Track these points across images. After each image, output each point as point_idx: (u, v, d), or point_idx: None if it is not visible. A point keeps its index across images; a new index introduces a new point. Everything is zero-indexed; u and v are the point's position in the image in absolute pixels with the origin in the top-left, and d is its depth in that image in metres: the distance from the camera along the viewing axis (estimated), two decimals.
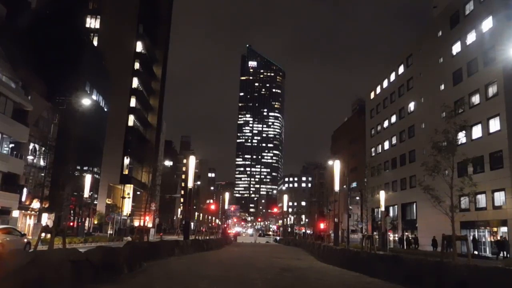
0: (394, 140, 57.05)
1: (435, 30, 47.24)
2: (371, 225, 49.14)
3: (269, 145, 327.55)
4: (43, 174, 36.06)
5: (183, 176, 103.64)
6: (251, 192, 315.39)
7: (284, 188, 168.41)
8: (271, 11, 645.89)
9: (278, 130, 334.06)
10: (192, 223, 64.41)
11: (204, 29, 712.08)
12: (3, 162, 33.79)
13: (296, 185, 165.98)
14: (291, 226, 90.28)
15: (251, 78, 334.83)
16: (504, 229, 33.45)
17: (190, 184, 26.28)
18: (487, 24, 37.48)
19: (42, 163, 39.32)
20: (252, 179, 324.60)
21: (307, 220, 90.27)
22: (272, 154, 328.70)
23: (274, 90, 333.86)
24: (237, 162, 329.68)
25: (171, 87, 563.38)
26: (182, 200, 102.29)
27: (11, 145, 36.05)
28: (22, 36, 40.31)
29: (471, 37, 39.98)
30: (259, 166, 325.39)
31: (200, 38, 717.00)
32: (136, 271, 12.15)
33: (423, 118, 47.13)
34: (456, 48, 42.37)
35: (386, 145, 59.55)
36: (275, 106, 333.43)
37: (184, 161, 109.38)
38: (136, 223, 60.31)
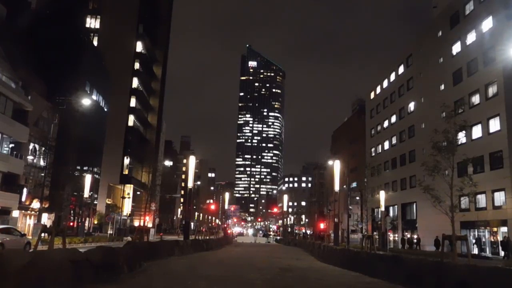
0: (394, 140, 57.04)
1: (435, 30, 47.23)
2: (371, 225, 49.13)
3: (269, 145, 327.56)
4: (43, 174, 36.06)
5: (183, 176, 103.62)
6: (251, 192, 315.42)
7: (284, 188, 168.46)
8: (271, 11, 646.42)
9: (278, 130, 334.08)
10: (192, 223, 64.43)
11: (204, 29, 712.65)
12: (3, 162, 33.79)
13: (296, 185, 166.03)
14: (291, 226, 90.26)
15: (251, 78, 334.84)
16: (504, 229, 33.43)
17: (190, 184, 26.28)
18: (487, 24, 37.48)
19: (42, 163, 39.32)
20: (252, 179, 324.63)
21: (307, 220, 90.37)
22: (272, 154, 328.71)
23: (274, 90, 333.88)
24: (237, 162, 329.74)
25: (171, 87, 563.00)
26: (182, 200, 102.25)
27: (11, 145, 36.05)
28: (22, 36, 40.31)
29: (471, 37, 39.98)
30: (259, 166, 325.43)
31: (200, 38, 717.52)
32: (136, 271, 12.15)
33: (423, 118, 47.12)
34: (456, 48, 42.36)
35: (386, 145, 59.54)
36: (275, 106, 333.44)
37: (184, 161, 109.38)
38: (136, 223, 60.29)
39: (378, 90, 64.78)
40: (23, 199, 37.08)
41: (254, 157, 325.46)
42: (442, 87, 44.07)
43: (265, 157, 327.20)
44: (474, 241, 36.80)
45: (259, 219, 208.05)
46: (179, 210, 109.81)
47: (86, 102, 35.59)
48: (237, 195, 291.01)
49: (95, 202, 55.55)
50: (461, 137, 17.20)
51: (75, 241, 30.04)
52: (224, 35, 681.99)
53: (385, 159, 57.63)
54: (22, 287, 6.90)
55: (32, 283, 7.12)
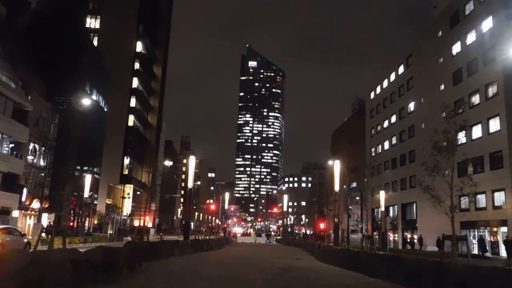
0: (394, 140, 57.05)
1: (435, 30, 47.24)
2: (371, 225, 49.11)
3: (269, 145, 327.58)
4: (43, 174, 36.08)
5: (183, 176, 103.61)
6: (251, 192, 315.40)
7: (284, 188, 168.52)
8: (271, 11, 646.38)
9: (278, 130, 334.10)
10: (192, 223, 64.41)
11: (204, 29, 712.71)
12: (3, 162, 33.80)
13: (296, 185, 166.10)
14: (291, 226, 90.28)
15: (251, 78, 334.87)
16: (504, 229, 33.44)
17: (190, 184, 26.28)
18: (487, 24, 37.48)
19: (42, 163, 39.33)
20: (252, 179, 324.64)
21: (307, 220, 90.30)
22: (272, 154, 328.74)
23: (274, 90, 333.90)
24: (237, 162, 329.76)
25: (171, 87, 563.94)
26: (182, 200, 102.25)
27: (11, 145, 36.06)
28: (22, 36, 40.33)
29: (471, 37, 39.98)
30: (259, 166, 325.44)
31: (200, 38, 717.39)
32: (136, 271, 12.15)
33: (423, 118, 47.13)
34: (456, 48, 42.37)
35: (386, 145, 59.55)
36: (275, 106, 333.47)
37: (184, 161, 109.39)
38: (136, 223, 60.29)
39: (378, 90, 64.79)
40: (23, 199, 37.09)
41: (254, 157, 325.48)
42: (442, 87, 44.08)
43: (265, 157, 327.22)
44: (474, 241, 36.82)
45: (259, 219, 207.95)
46: (179, 210, 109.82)
47: (86, 102, 35.61)
48: (237, 195, 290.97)
49: (95, 202, 55.55)
50: (461, 137, 17.19)
51: (75, 241, 30.06)
52: (224, 35, 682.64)
53: (385, 159, 57.63)
54: (22, 287, 6.89)
55: (32, 283, 7.12)
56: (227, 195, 68.56)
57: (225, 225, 77.90)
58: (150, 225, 49.39)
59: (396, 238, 53.26)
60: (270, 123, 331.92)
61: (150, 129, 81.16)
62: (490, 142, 35.01)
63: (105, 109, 59.27)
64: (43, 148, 38.00)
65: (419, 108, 49.88)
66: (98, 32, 67.96)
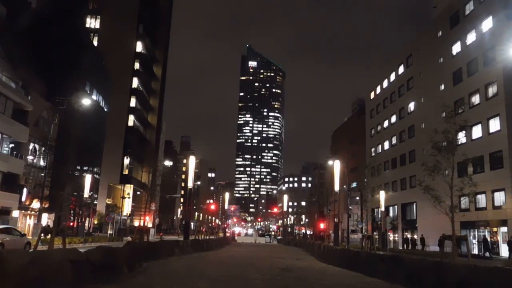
0: (394, 140, 57.04)
1: (435, 30, 47.24)
2: (371, 225, 49.09)
3: (269, 145, 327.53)
4: (43, 174, 36.05)
5: (183, 176, 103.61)
6: (251, 192, 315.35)
7: (284, 188, 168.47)
8: (271, 11, 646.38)
9: (278, 130, 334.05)
10: (192, 223, 64.42)
11: (204, 29, 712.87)
12: (3, 162, 33.80)
13: (296, 185, 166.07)
14: (291, 226, 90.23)
15: (251, 78, 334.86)
16: (504, 229, 33.44)
17: (190, 184, 26.28)
18: (487, 24, 37.48)
19: (42, 163, 39.32)
20: (252, 179, 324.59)
21: (307, 220, 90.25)
22: (272, 154, 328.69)
23: (274, 90, 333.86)
24: (237, 162, 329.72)
25: (171, 87, 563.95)
26: (182, 200, 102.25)
27: (11, 145, 36.04)
28: (22, 36, 40.31)
29: (471, 37, 39.98)
30: (259, 166, 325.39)
31: (200, 38, 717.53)
32: (136, 271, 12.14)
33: (423, 118, 47.12)
34: (456, 48, 42.36)
35: (386, 145, 59.54)
36: (275, 106, 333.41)
37: (184, 161, 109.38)
38: (136, 223, 60.28)
39: (378, 90, 64.78)
40: (23, 199, 37.07)
41: (254, 157, 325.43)
42: (442, 87, 44.07)
43: (265, 157, 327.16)
44: (474, 241, 36.81)
45: (259, 219, 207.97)
46: (179, 210, 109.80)
47: (86, 102, 35.54)
48: (237, 195, 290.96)
49: (95, 202, 55.54)
50: (461, 137, 17.17)
51: (75, 241, 30.07)
52: (224, 35, 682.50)
53: (385, 159, 57.62)
54: (22, 287, 6.89)
55: (32, 283, 7.12)
56: (227, 195, 68.57)
57: (225, 225, 77.91)
58: (150, 225, 49.38)
59: (396, 238, 53.26)
60: (270, 123, 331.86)
61: (150, 129, 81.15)
62: (490, 142, 35.01)
63: (105, 109, 59.25)
64: (43, 148, 37.96)
65: (419, 108, 49.87)
66: (98, 32, 67.94)
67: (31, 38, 42.08)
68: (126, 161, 68.46)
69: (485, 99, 36.60)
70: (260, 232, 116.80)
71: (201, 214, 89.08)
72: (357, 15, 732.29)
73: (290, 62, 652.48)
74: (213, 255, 23.59)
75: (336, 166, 28.61)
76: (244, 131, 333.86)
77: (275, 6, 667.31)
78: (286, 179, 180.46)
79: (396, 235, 53.29)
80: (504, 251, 32.60)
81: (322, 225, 64.05)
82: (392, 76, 59.55)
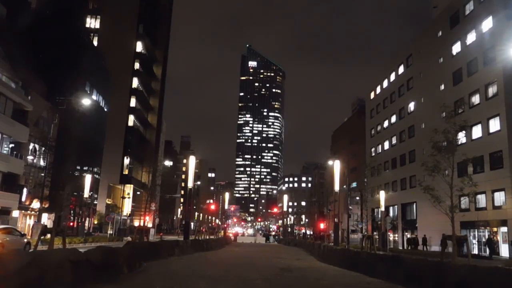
0: (394, 140, 57.04)
1: (435, 30, 47.24)
2: (371, 225, 49.11)
3: (269, 145, 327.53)
4: (43, 174, 36.05)
5: (183, 176, 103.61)
6: (251, 192, 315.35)
7: (284, 188, 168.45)
8: (271, 11, 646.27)
9: (278, 130, 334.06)
10: (192, 223, 64.38)
11: (204, 29, 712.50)
12: (3, 162, 33.80)
13: (296, 185, 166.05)
14: (291, 226, 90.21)
15: (251, 78, 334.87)
16: (504, 229, 33.44)
17: (190, 184, 26.29)
18: (487, 24, 37.48)
19: (42, 163, 39.32)
20: (252, 179, 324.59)
21: (307, 220, 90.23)
22: (272, 154, 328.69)
23: (274, 90, 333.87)
24: (237, 162, 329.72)
25: (171, 87, 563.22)
26: (182, 200, 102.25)
27: (11, 145, 36.04)
28: (22, 36, 40.31)
29: (471, 37, 39.98)
30: (259, 166, 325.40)
31: (200, 38, 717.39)
32: (136, 271, 12.14)
33: (423, 118, 47.12)
34: (456, 48, 42.37)
35: (386, 145, 59.54)
36: (275, 106, 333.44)
37: (184, 161, 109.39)
38: (136, 223, 60.28)
39: (378, 90, 64.78)
40: (23, 199, 37.08)
41: (254, 157, 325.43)
42: (442, 87, 44.07)
43: (265, 157, 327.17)
44: (474, 241, 36.80)
45: (259, 219, 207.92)
46: (179, 210, 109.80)
47: (86, 102, 35.52)
48: (237, 195, 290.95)
49: (95, 202, 55.54)
50: (461, 137, 17.16)
51: (75, 241, 30.07)
52: (224, 35, 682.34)
53: (385, 159, 57.63)
54: (22, 287, 6.89)
55: (32, 283, 7.12)
56: (227, 195, 68.57)
57: (225, 225, 77.86)
58: (150, 225, 49.41)
59: (396, 238, 53.26)
60: (270, 123, 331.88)
61: (150, 129, 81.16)
62: (490, 142, 35.00)
63: (105, 109, 59.27)
64: (43, 148, 37.97)
65: (419, 108, 49.87)
66: (98, 32, 67.96)
67: (31, 38, 42.07)
68: (126, 161, 68.47)
69: (485, 99, 36.60)
70: (260, 232, 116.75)
71: (201, 214, 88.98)
72: (357, 15, 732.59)
73: (290, 62, 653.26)
74: (213, 255, 23.59)
75: (336, 166, 28.60)
76: (244, 131, 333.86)
77: (275, 6, 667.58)
78: (286, 179, 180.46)
79: (396, 235, 53.29)
80: (504, 251, 32.60)
81: (322, 225, 64.07)
82: (392, 76, 59.55)
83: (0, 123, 32.98)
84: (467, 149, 19.94)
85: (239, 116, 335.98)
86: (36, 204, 37.72)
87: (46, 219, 39.02)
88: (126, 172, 67.91)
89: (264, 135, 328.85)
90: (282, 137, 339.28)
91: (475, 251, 35.38)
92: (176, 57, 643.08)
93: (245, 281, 11.92)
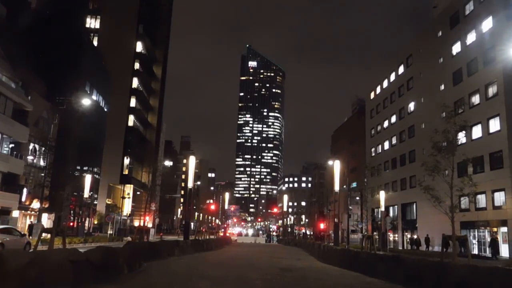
0: (394, 140, 57.05)
1: (435, 30, 47.25)
2: (371, 225, 49.15)
3: (269, 145, 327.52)
4: (43, 174, 36.05)
5: (183, 176, 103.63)
6: (251, 192, 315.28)
7: (284, 188, 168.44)
8: (271, 11, 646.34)
9: (278, 130, 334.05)
10: (192, 223, 64.40)
11: (204, 29, 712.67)
12: (3, 162, 33.80)
13: (296, 185, 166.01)
14: (291, 226, 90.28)
15: (251, 78, 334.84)
16: (504, 229, 33.45)
17: (190, 184, 26.26)
18: (487, 24, 37.49)
19: (42, 163, 39.32)
20: (252, 179, 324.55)
21: (307, 220, 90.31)
22: (272, 154, 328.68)
23: (274, 90, 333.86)
24: (237, 162, 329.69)
25: (171, 87, 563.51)
26: (182, 200, 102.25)
27: (11, 145, 36.04)
28: (22, 36, 40.32)
29: (471, 37, 39.99)
30: (259, 166, 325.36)
31: (200, 38, 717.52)
32: (136, 271, 12.14)
33: (423, 118, 47.12)
34: (456, 48, 42.38)
35: (386, 145, 59.55)
36: (275, 106, 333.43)
37: (184, 161, 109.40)
38: (136, 223, 60.29)
39: (378, 90, 64.80)
40: (23, 199, 37.08)
41: (254, 157, 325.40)
42: (442, 87, 44.08)
43: (265, 157, 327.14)
44: (474, 241, 36.80)
45: (259, 219, 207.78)
46: (179, 210, 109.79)
47: (86, 102, 35.51)
48: (237, 195, 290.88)
49: (95, 202, 55.54)
50: (461, 137, 17.19)
51: (75, 241, 30.03)
52: (224, 35, 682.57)
53: (385, 159, 57.64)
54: (22, 287, 6.89)
55: (32, 283, 7.12)
56: (227, 195, 68.60)
57: (225, 225, 77.88)
58: (150, 225, 49.39)
59: (396, 238, 53.27)
60: (270, 123, 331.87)
61: (150, 129, 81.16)
62: (490, 142, 35.01)
63: (105, 109, 59.26)
64: (43, 148, 37.98)
65: (419, 108, 49.88)
66: (98, 32, 67.96)
67: (31, 38, 42.08)
68: (126, 161, 68.46)
69: (485, 99, 36.61)
70: (261, 232, 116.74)
71: (201, 214, 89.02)
72: (357, 15, 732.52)
73: (290, 62, 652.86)
74: (213, 255, 23.58)
75: (336, 166, 28.59)
76: (244, 131, 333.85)
77: (275, 6, 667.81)
78: (286, 179, 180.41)
79: (396, 235, 53.29)
80: (504, 251, 32.60)
81: (322, 225, 64.12)
82: (392, 76, 59.56)
83: (0, 123, 32.98)
84: (467, 149, 19.97)
85: (239, 116, 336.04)
86: (36, 204, 37.72)
87: (46, 219, 39.01)
88: (126, 172, 67.90)
89: (264, 135, 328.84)
90: (282, 137, 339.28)
91: (475, 251, 35.39)
92: (176, 57, 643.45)
93: (245, 281, 11.91)
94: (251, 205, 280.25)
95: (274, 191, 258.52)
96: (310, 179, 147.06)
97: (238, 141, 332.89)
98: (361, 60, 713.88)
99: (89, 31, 65.88)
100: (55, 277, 7.81)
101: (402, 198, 51.58)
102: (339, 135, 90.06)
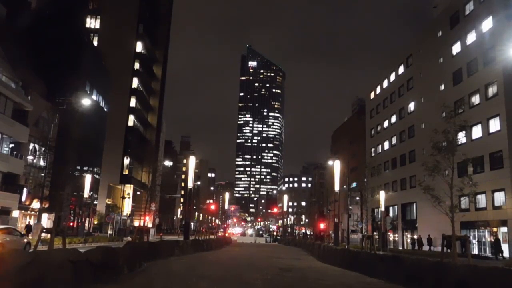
0: (394, 140, 57.05)
1: (435, 30, 47.24)
2: (371, 225, 49.13)
3: (269, 145, 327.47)
4: (43, 174, 36.05)
5: (183, 176, 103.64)
6: (251, 192, 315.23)
7: (284, 188, 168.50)
8: (271, 11, 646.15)
9: (278, 130, 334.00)
10: (192, 223, 64.40)
11: (204, 29, 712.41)
12: (3, 162, 33.80)
13: (296, 185, 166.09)
14: (291, 226, 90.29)
15: (251, 78, 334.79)
16: (504, 229, 33.44)
17: (190, 184, 26.28)
18: (487, 24, 37.48)
19: (42, 163, 39.31)
20: (252, 179, 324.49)
21: (307, 220, 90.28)
22: (272, 154, 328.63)
23: (274, 90, 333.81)
24: (237, 162, 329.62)
25: (171, 87, 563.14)
26: (182, 200, 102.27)
27: (11, 145, 36.05)
28: (22, 36, 40.31)
29: (471, 37, 39.98)
30: (259, 166, 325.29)
31: (200, 37, 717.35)
32: (136, 271, 12.14)
33: (423, 118, 47.12)
34: (456, 48, 42.37)
35: (386, 145, 59.55)
36: (275, 106, 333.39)
37: (184, 161, 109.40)
38: (136, 223, 60.28)
39: (378, 90, 64.80)
40: (23, 199, 37.08)
41: (254, 157, 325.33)
42: (442, 87, 44.08)
43: (265, 157, 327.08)
44: (474, 241, 36.78)
45: (259, 219, 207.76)
46: (179, 210, 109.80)
47: (86, 102, 35.51)
48: (237, 195, 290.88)
49: (95, 202, 55.53)
50: (461, 137, 17.18)
51: (75, 241, 30.03)
52: (224, 35, 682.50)
53: (385, 159, 57.64)
54: (22, 287, 6.89)
55: (32, 283, 7.12)
56: (227, 195, 68.69)
57: (225, 225, 77.89)
58: (150, 225, 49.41)
59: (396, 238, 53.27)
60: (270, 123, 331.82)
61: (150, 129, 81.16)
62: (490, 142, 35.01)
63: (105, 109, 59.26)
64: (43, 148, 37.96)
65: (419, 108, 49.88)
66: (98, 32, 67.96)
67: (31, 38, 42.06)
68: (126, 161, 68.47)
69: (485, 99, 36.60)
70: (261, 232, 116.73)
71: (201, 214, 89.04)
72: (357, 15, 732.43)
73: (290, 62, 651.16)
74: (213, 255, 23.59)
75: (336, 166, 28.60)
76: (244, 131, 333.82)
77: (275, 6, 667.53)
78: (286, 179, 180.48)
79: (396, 235, 53.29)
80: (504, 251, 32.56)
81: (322, 225, 64.08)
82: (392, 76, 59.56)
83: (0, 123, 32.98)
84: (467, 149, 19.96)
85: (239, 116, 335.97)
86: (36, 204, 37.72)
87: (46, 219, 39.00)
88: (126, 172, 67.91)
89: (264, 135, 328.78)
90: (282, 137, 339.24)
91: (475, 251, 35.39)
92: (176, 57, 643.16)
93: (245, 281, 11.92)
94: (251, 205, 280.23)
95: (274, 191, 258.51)
96: (310, 179, 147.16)
97: (238, 141, 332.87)
98: (361, 60, 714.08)
99: (89, 31, 65.87)
100: (55, 277, 7.81)
101: (402, 198, 51.58)
102: (339, 135, 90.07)
